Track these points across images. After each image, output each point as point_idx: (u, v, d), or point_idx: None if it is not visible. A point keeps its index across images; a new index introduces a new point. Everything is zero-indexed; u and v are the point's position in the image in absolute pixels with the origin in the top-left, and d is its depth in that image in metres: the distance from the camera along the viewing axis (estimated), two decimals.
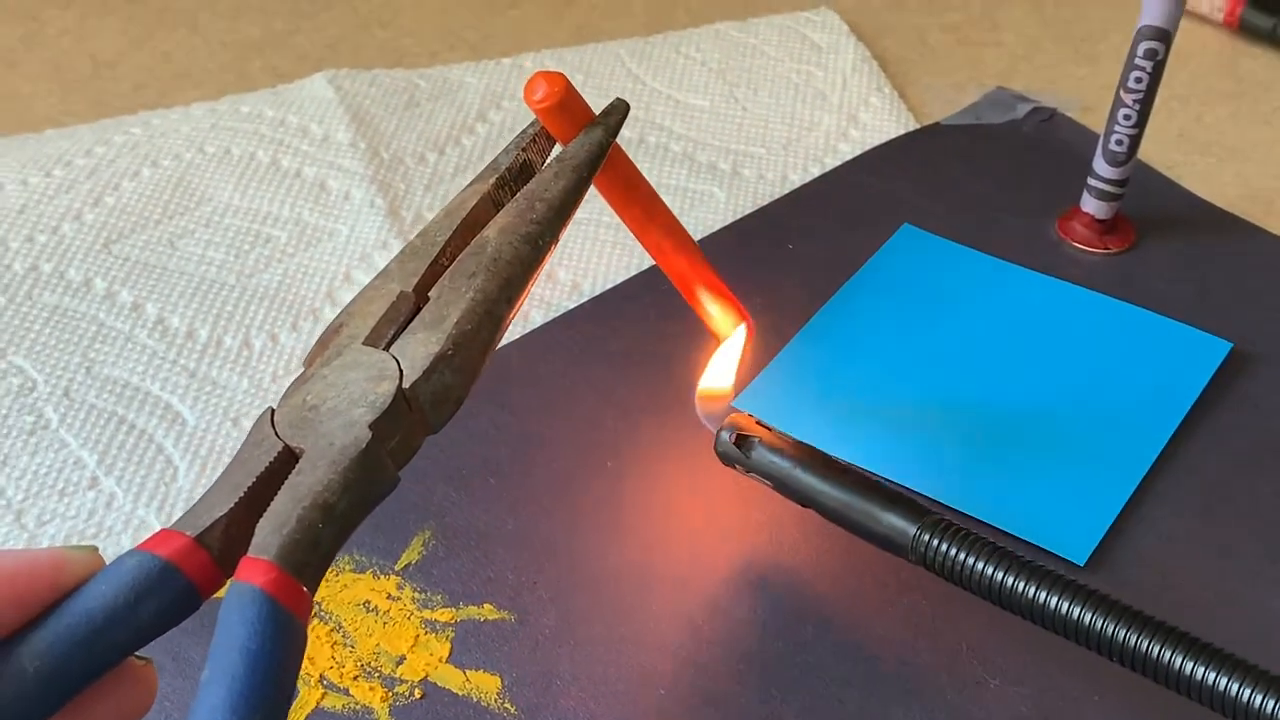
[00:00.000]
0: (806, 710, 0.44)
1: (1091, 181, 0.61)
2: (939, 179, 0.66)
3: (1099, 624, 0.40)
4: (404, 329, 0.37)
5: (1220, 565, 0.49)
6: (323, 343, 0.37)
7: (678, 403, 0.54)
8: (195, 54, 0.73)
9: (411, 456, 0.36)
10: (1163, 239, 0.63)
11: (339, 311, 0.39)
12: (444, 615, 0.47)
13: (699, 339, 0.56)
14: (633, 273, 0.60)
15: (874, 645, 0.47)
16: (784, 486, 0.46)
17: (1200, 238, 0.63)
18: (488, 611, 0.47)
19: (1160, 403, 0.55)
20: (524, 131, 0.42)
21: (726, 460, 0.47)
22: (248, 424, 0.53)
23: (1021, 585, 0.41)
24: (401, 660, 0.46)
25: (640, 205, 0.46)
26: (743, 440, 0.47)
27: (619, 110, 0.42)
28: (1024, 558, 0.42)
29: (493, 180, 0.41)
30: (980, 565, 0.42)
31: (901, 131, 0.68)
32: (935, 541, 0.43)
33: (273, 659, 0.30)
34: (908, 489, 0.51)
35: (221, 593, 0.32)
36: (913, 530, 0.43)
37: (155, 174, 0.63)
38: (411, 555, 0.49)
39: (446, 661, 0.46)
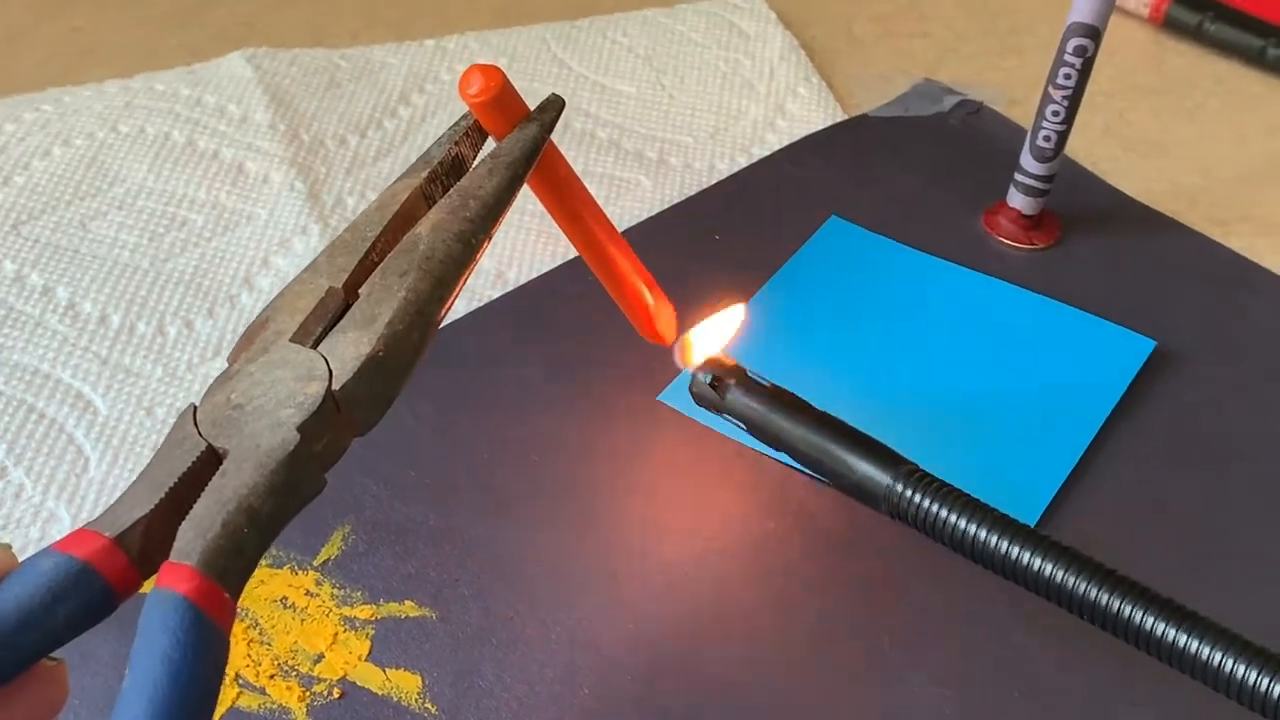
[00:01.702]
0: (731, 712, 0.44)
1: (1019, 177, 0.61)
2: (866, 171, 0.65)
3: (1071, 580, 0.40)
4: (333, 327, 0.36)
5: (1146, 562, 0.49)
6: (248, 338, 0.36)
7: (602, 395, 0.53)
8: (105, 29, 0.71)
9: (338, 458, 0.35)
10: (1088, 235, 0.63)
11: (264, 305, 0.37)
12: (363, 612, 0.46)
13: (623, 330, 0.55)
14: (558, 263, 0.59)
15: (799, 657, 0.46)
16: (758, 430, 0.45)
17: (1125, 234, 0.63)
18: (408, 608, 0.46)
19: (1085, 400, 0.55)
20: (456, 124, 0.41)
21: (701, 401, 0.46)
22: (161, 413, 0.51)
23: (995, 540, 0.41)
24: (320, 658, 0.45)
25: (571, 204, 0.45)
26: (719, 382, 0.45)
27: (554, 106, 0.41)
28: (999, 513, 0.42)
29: (424, 174, 0.40)
30: (955, 519, 0.42)
31: (829, 122, 0.68)
32: (910, 493, 0.42)
33: (196, 669, 0.29)
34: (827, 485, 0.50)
35: (143, 590, 0.31)
36: (887, 480, 0.43)
37: (67, 153, 0.61)
38: (331, 550, 0.47)
39: (366, 660, 0.45)
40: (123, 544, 0.31)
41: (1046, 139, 0.59)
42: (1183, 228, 0.64)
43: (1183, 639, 0.38)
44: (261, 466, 0.32)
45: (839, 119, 0.68)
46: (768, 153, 0.66)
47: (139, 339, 0.54)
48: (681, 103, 0.69)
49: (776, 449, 0.45)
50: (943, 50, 0.75)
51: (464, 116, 0.41)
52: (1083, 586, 0.40)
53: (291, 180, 0.61)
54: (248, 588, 0.45)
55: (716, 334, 0.49)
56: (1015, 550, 0.40)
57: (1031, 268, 0.61)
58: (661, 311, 0.48)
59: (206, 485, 0.32)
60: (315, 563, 0.47)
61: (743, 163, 0.65)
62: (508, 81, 0.40)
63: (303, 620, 0.45)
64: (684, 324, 0.49)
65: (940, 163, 0.66)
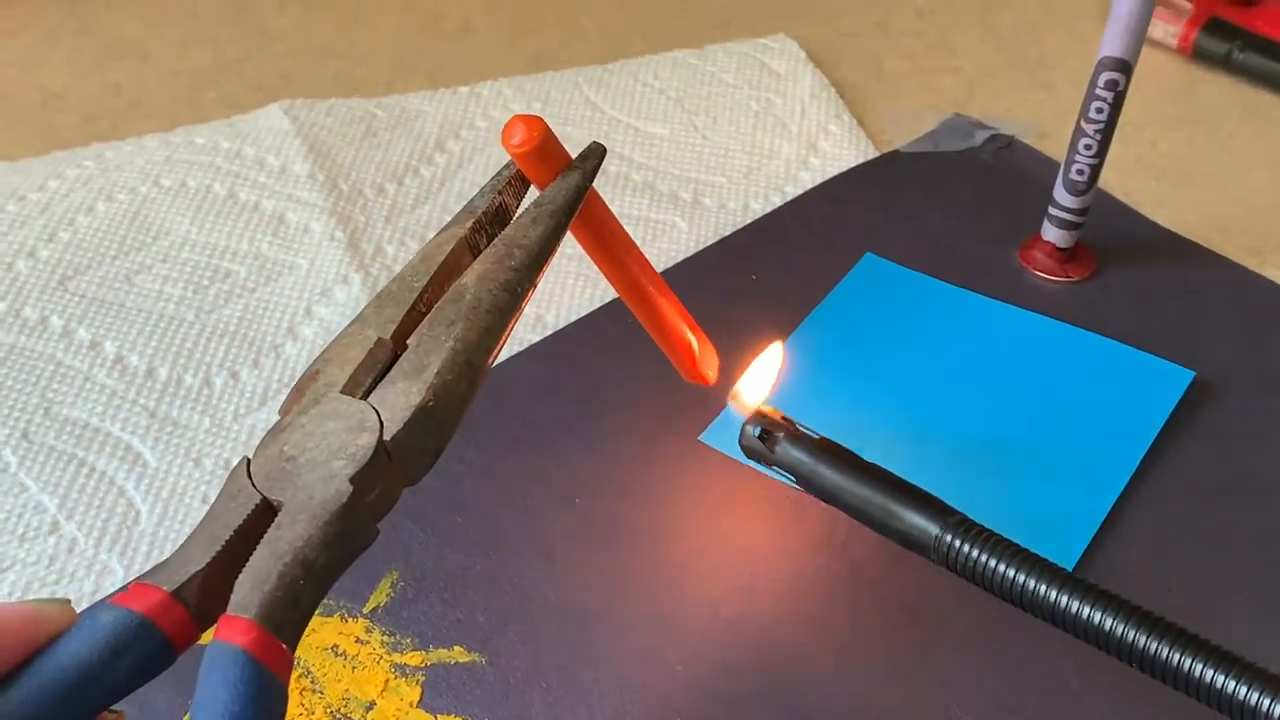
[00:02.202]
0: None
1: (1052, 210, 0.61)
2: (900, 207, 0.66)
3: (1118, 627, 0.40)
4: (382, 378, 0.37)
5: (1187, 596, 0.49)
6: (299, 390, 0.37)
7: (644, 436, 0.54)
8: (146, 84, 0.72)
9: (390, 508, 0.35)
10: (1123, 266, 0.63)
11: (314, 357, 0.38)
12: (414, 659, 0.46)
13: (663, 372, 0.56)
14: (596, 305, 0.59)
15: (847, 696, 0.46)
16: (807, 482, 0.46)
17: (1160, 265, 0.63)
18: (458, 654, 0.46)
19: (1125, 433, 0.55)
20: (499, 174, 0.42)
21: (751, 454, 0.47)
22: (209, 464, 0.52)
23: (1044, 588, 0.41)
24: (371, 706, 0.45)
25: (613, 249, 0.45)
26: (768, 435, 0.46)
27: (595, 154, 0.42)
28: (1047, 561, 0.42)
29: (469, 224, 0.40)
30: (1002, 568, 0.42)
31: (861, 159, 0.68)
32: (958, 543, 0.43)
33: None
34: None
35: (201, 641, 0.31)
36: (935, 530, 0.43)
37: (110, 208, 0.62)
38: (380, 597, 0.48)
39: (417, 706, 0.45)
40: (180, 597, 0.32)
41: (1080, 172, 0.60)
42: (1218, 258, 0.64)
43: (1230, 684, 0.38)
44: (315, 518, 0.33)
45: (871, 156, 0.68)
46: (801, 191, 0.66)
47: (186, 391, 0.55)
48: (715, 143, 0.69)
49: (825, 500, 0.46)
50: (972, 85, 0.75)
51: (506, 165, 0.42)
52: (1130, 634, 0.40)
53: (332, 230, 0.62)
54: None
55: (762, 378, 0.49)
56: (1064, 599, 0.41)
57: (1067, 301, 0.61)
58: (703, 351, 0.48)
59: (262, 538, 0.33)
60: (365, 610, 0.47)
61: (777, 201, 0.66)
62: (549, 131, 0.40)
63: (354, 668, 0.46)
64: (724, 364, 0.49)
65: (973, 197, 0.67)
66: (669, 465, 0.53)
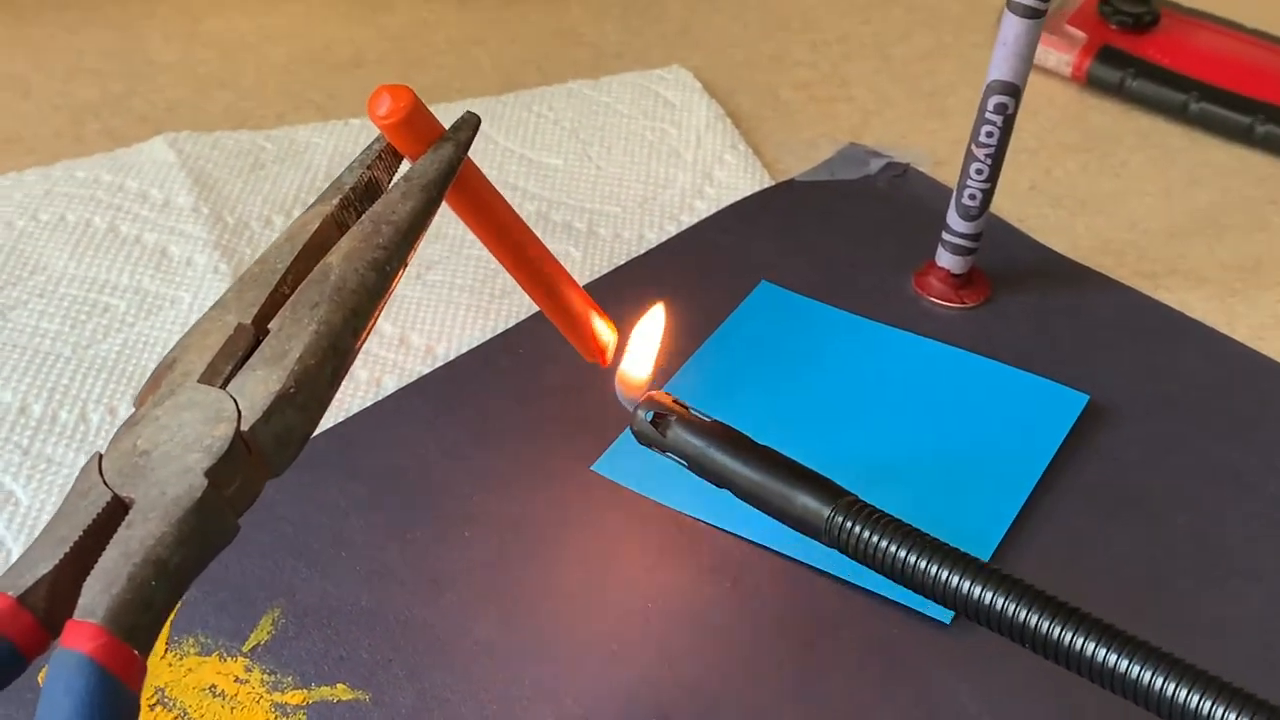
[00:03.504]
0: None
1: (946, 236, 0.61)
2: (795, 235, 0.65)
3: (1013, 609, 0.39)
4: (242, 364, 0.35)
5: None
6: (154, 380, 0.35)
7: (534, 467, 0.53)
8: (27, 118, 0.70)
9: (252, 502, 0.34)
10: (1018, 292, 0.63)
11: (172, 346, 0.36)
12: (295, 697, 0.45)
13: (555, 401, 0.55)
14: (488, 336, 0.58)
15: None
16: (699, 466, 0.44)
17: (1055, 290, 0.63)
18: (341, 692, 0.45)
19: (1021, 456, 0.55)
20: (369, 148, 0.40)
21: (643, 440, 0.45)
22: None
23: (934, 569, 0.40)
24: None
25: (496, 221, 0.44)
26: (660, 419, 0.45)
27: (470, 124, 0.41)
28: (940, 541, 0.41)
29: (336, 201, 0.38)
30: (894, 549, 0.41)
31: (757, 188, 0.68)
32: (849, 523, 0.42)
33: None
34: (772, 551, 0.50)
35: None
36: (826, 510, 0.42)
37: None
38: (260, 635, 0.46)
39: None
40: (27, 603, 0.30)
41: (972, 197, 0.60)
42: (1112, 282, 0.64)
43: (1126, 665, 0.38)
44: (168, 515, 0.31)
45: (767, 185, 0.68)
46: (696, 220, 0.66)
47: (61, 427, 0.53)
48: (609, 173, 0.68)
49: (718, 485, 0.44)
50: (867, 114, 0.75)
51: (376, 139, 0.40)
52: (1024, 614, 0.39)
53: (215, 262, 0.60)
54: (176, 677, 0.45)
55: (647, 345, 0.48)
56: (955, 579, 0.40)
57: (963, 326, 0.61)
58: (601, 325, 0.48)
59: (112, 538, 0.31)
60: (244, 649, 0.46)
61: (672, 230, 0.65)
62: (419, 101, 0.39)
63: (233, 708, 0.44)
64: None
65: (868, 225, 0.66)
66: (561, 495, 0.52)
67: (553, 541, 0.50)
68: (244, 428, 0.33)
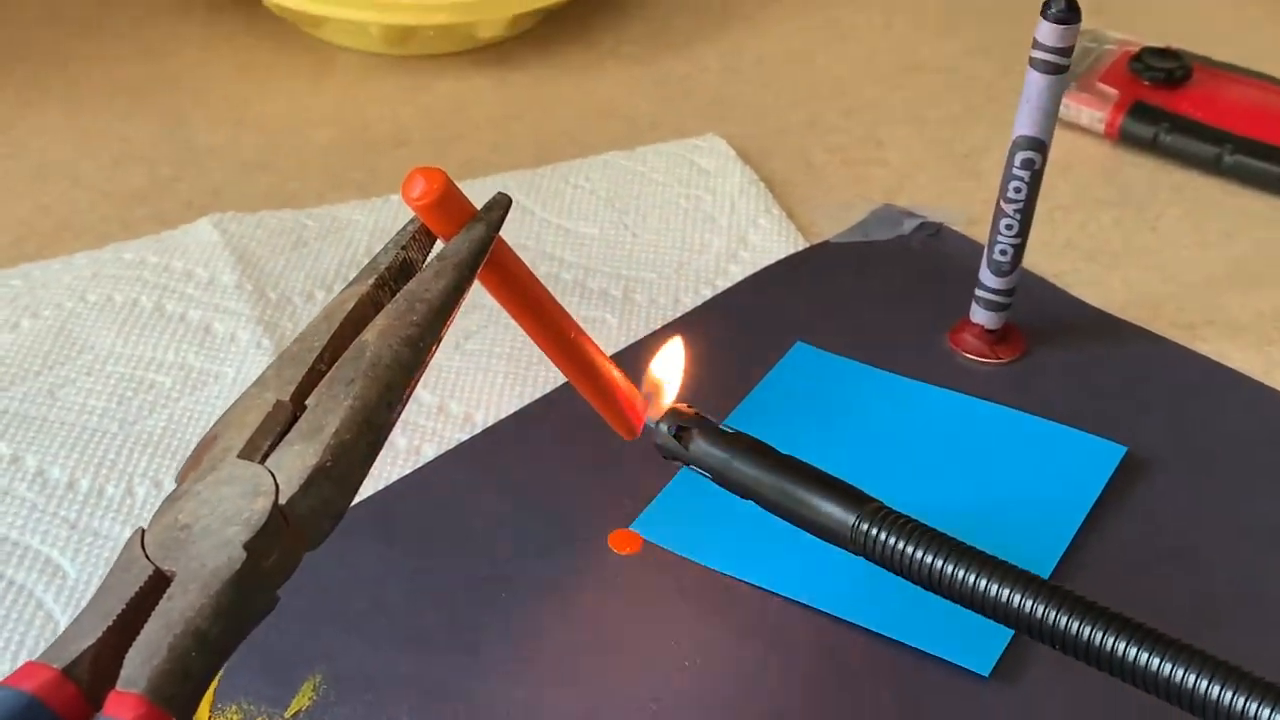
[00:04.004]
0: None
1: (979, 293, 0.62)
2: (830, 296, 0.66)
3: (1046, 613, 0.39)
4: (280, 440, 0.36)
5: None
6: (196, 457, 0.36)
7: (571, 531, 0.53)
8: (76, 205, 0.72)
9: (290, 574, 0.35)
10: (1054, 346, 0.63)
11: (213, 423, 0.37)
12: None
13: (592, 464, 0.55)
14: (525, 403, 0.59)
15: None
16: (722, 478, 0.45)
17: (1091, 344, 0.64)
18: None
19: (1058, 509, 0.55)
20: (404, 229, 0.41)
21: (665, 453, 0.46)
22: None
23: (962, 574, 0.40)
24: None
25: (528, 299, 0.45)
26: (682, 431, 0.45)
27: (501, 205, 0.42)
28: (968, 546, 0.41)
29: (371, 280, 0.40)
30: (921, 554, 0.41)
31: (791, 251, 0.68)
32: (874, 530, 0.42)
33: None
34: (808, 607, 0.50)
35: None
36: (851, 519, 0.42)
37: (35, 324, 0.62)
38: (301, 701, 0.47)
39: None
40: (72, 675, 0.31)
41: (1003, 253, 0.60)
42: (1149, 334, 0.64)
43: (1169, 669, 0.38)
44: (207, 587, 0.32)
45: (801, 247, 0.69)
46: (731, 284, 0.66)
47: (108, 501, 0.54)
48: (644, 240, 0.69)
49: (743, 496, 0.45)
50: (900, 176, 0.75)
51: (410, 221, 0.41)
52: (1062, 619, 0.39)
53: (258, 338, 0.61)
54: None
55: (668, 374, 0.49)
56: (984, 583, 0.40)
57: (998, 382, 0.61)
58: (638, 400, 0.48)
59: (154, 610, 0.32)
60: (286, 715, 0.46)
61: (707, 294, 0.66)
62: (451, 183, 0.40)
63: None
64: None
65: (903, 284, 0.67)
66: (597, 558, 0.52)
67: (589, 603, 0.51)
68: (281, 501, 0.34)
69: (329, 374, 0.37)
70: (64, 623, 0.50)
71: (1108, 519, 0.54)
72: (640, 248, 0.69)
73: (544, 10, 0.85)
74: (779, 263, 0.68)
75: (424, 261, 0.41)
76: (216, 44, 0.85)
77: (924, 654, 0.49)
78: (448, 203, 0.40)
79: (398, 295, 0.39)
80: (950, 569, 0.40)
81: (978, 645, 0.49)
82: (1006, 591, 0.40)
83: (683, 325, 0.64)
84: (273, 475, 0.35)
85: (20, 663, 0.47)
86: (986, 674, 0.48)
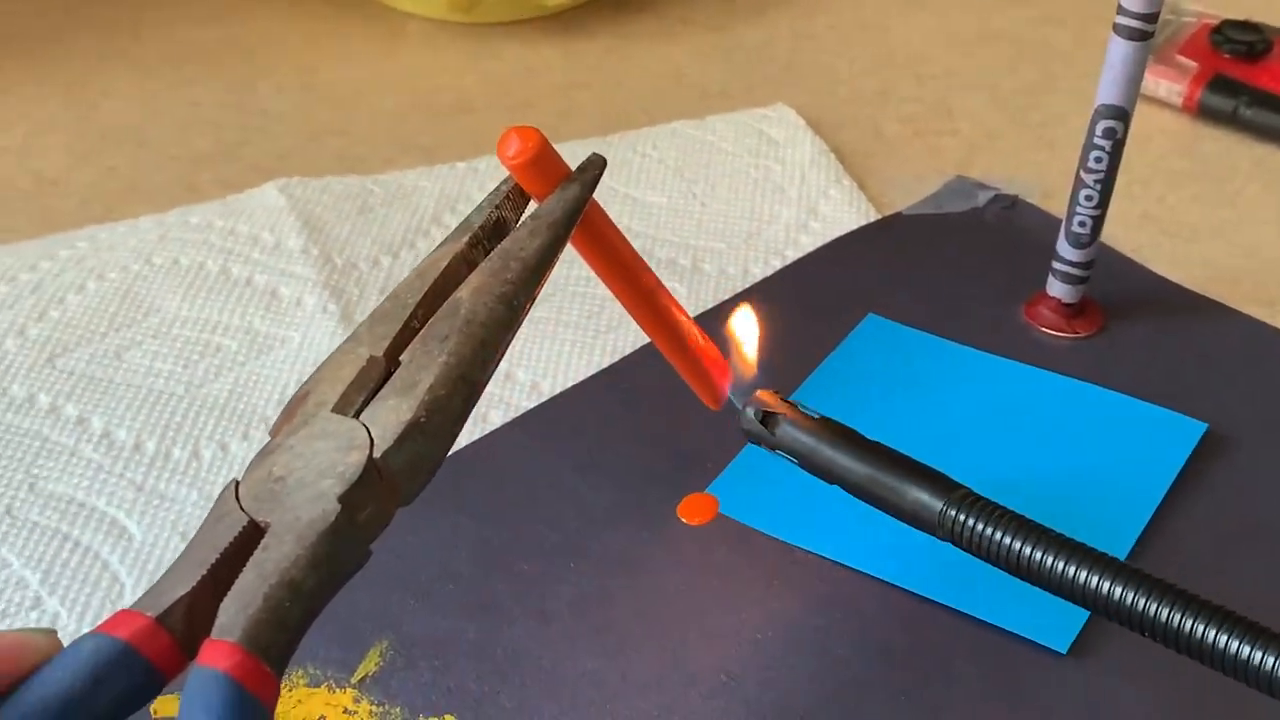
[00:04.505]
0: None
1: (1056, 265, 0.60)
2: (902, 268, 0.65)
3: (1133, 599, 0.39)
4: (374, 395, 0.36)
5: None
6: (289, 412, 0.36)
7: (640, 500, 0.52)
8: (143, 168, 0.72)
9: (383, 529, 0.34)
10: (1131, 321, 0.62)
11: (306, 378, 0.37)
12: None
13: (660, 434, 0.55)
14: (592, 371, 0.58)
15: None
16: (809, 463, 0.45)
17: (1169, 319, 0.62)
18: None
19: (1137, 486, 0.54)
20: (497, 188, 0.41)
21: (752, 438, 0.46)
22: None
23: (1051, 560, 0.40)
24: None
25: (619, 262, 0.44)
26: (769, 417, 0.45)
27: (596, 165, 0.41)
28: (1057, 533, 0.41)
29: (465, 239, 0.39)
30: (1010, 540, 0.41)
31: (862, 222, 0.67)
32: (963, 517, 0.42)
33: None
34: (883, 581, 0.49)
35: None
36: (939, 505, 0.42)
37: (101, 287, 0.62)
38: (368, 666, 0.46)
39: None
40: (166, 623, 0.31)
41: (1082, 224, 0.59)
42: (1228, 310, 0.63)
43: (1257, 656, 0.37)
44: (302, 539, 0.32)
45: (872, 219, 0.68)
46: (802, 254, 0.65)
47: (174, 464, 0.54)
48: (713, 210, 0.68)
49: (829, 481, 0.44)
50: (973, 147, 0.74)
51: (504, 180, 0.41)
52: (1151, 606, 0.38)
53: (325, 303, 0.61)
54: (285, 708, 0.45)
55: (746, 342, 0.49)
56: (1073, 570, 0.39)
57: (1075, 356, 0.60)
58: (724, 368, 0.48)
59: (248, 560, 0.32)
60: (353, 680, 0.46)
61: (777, 265, 0.65)
62: (546, 142, 0.39)
63: None
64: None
65: (977, 257, 0.66)
66: (666, 528, 0.52)
67: (659, 573, 0.50)
68: (376, 455, 0.34)
69: (422, 331, 0.37)
70: (129, 585, 0.49)
71: (1187, 497, 0.53)
72: (709, 217, 0.68)
73: None
74: (850, 234, 0.67)
75: (517, 220, 0.41)
76: (285, 10, 0.85)
77: (1001, 630, 0.48)
78: (542, 162, 0.40)
79: (492, 253, 0.39)
80: (1039, 555, 0.40)
81: (1056, 622, 0.48)
82: (1096, 579, 0.39)
83: (753, 295, 0.63)
84: (367, 429, 0.35)
85: (86, 624, 0.47)
86: (1064, 650, 0.47)
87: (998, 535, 0.41)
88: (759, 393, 0.46)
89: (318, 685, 0.46)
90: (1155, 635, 0.39)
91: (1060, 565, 0.40)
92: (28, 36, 0.81)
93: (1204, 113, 0.76)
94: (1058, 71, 0.81)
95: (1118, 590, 0.39)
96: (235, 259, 0.64)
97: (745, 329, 0.50)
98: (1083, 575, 0.39)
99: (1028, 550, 0.40)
